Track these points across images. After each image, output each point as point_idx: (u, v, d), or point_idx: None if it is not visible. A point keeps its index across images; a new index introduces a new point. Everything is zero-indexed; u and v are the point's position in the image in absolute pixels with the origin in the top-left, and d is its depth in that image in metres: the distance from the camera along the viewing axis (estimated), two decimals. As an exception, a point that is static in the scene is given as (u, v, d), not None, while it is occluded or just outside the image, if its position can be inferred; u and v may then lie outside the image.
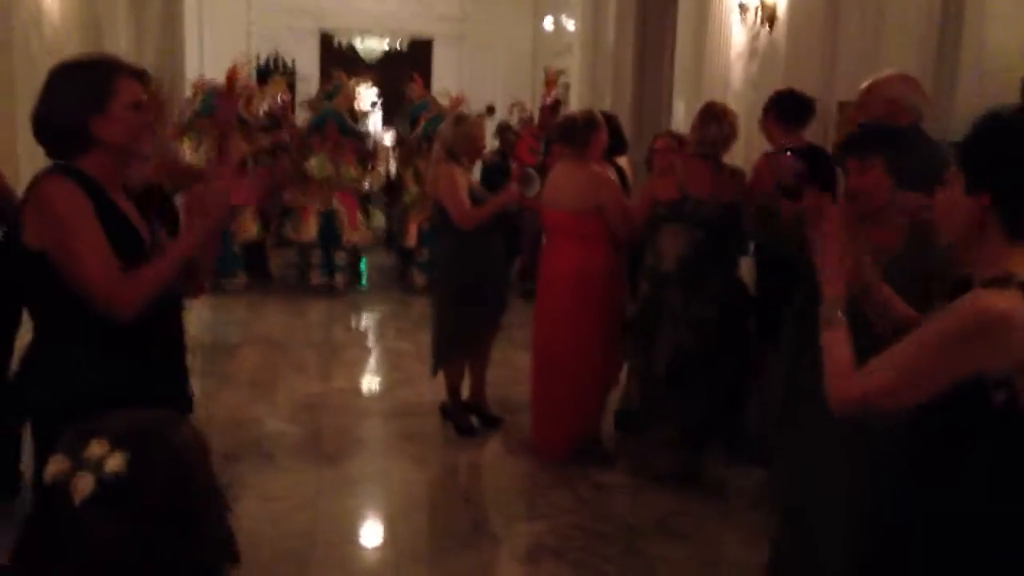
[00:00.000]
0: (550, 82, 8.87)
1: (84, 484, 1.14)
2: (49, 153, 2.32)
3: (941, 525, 1.77)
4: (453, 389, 5.23)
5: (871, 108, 3.67)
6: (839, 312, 1.96)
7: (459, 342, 5.10)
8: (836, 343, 1.91)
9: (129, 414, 1.28)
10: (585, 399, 4.69)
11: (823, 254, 2.06)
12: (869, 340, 1.97)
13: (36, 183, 2.24)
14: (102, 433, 1.19)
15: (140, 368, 2.29)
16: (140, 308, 2.21)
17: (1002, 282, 1.68)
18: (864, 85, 3.82)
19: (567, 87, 10.82)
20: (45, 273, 2.20)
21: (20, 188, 3.98)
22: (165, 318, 2.40)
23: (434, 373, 5.25)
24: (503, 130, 9.55)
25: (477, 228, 4.83)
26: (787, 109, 4.61)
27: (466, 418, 5.20)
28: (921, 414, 1.78)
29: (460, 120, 5.04)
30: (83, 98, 2.23)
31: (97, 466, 1.15)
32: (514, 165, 8.41)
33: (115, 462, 1.15)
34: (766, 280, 4.59)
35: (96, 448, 1.16)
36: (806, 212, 2.26)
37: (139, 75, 2.36)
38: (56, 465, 1.16)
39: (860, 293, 2.13)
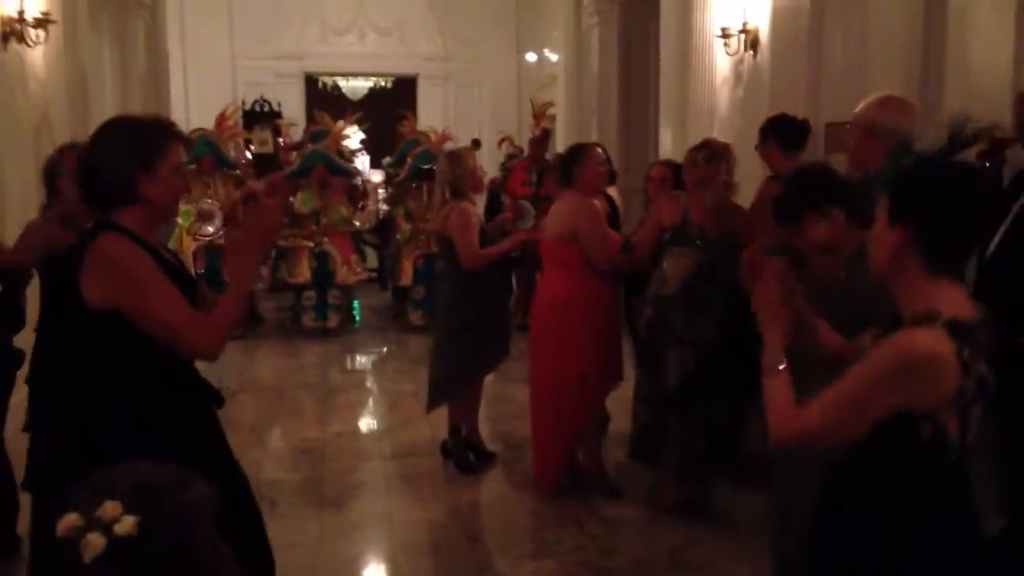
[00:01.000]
0: (538, 115, 8.91)
1: (95, 543, 1.17)
2: (88, 201, 2.41)
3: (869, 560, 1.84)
4: (455, 427, 5.18)
5: (853, 135, 3.62)
6: (781, 359, 2.02)
7: (464, 377, 5.07)
8: (777, 388, 1.98)
9: (143, 469, 1.31)
10: (570, 426, 4.65)
11: (762, 304, 2.12)
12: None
13: (91, 243, 2.28)
14: (115, 492, 1.22)
15: (193, 408, 2.44)
16: (222, 349, 2.36)
17: (927, 319, 1.74)
18: (859, 108, 3.73)
19: (552, 118, 10.87)
20: (112, 329, 2.26)
21: (8, 237, 3.98)
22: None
23: (430, 409, 5.21)
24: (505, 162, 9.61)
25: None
26: (786, 134, 4.62)
27: (468, 455, 5.16)
28: (852, 449, 1.87)
29: (455, 158, 5.06)
30: (136, 157, 2.32)
31: (108, 527, 1.18)
32: (506, 200, 8.43)
33: (126, 526, 1.18)
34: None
35: (109, 509, 1.19)
36: (743, 267, 2.28)
37: (184, 140, 2.54)
38: (69, 522, 1.18)
39: (796, 331, 2.18)
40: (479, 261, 4.85)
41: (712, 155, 4.39)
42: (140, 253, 2.29)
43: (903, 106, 3.67)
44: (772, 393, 1.98)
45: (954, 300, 1.79)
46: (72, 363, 2.39)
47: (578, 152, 4.74)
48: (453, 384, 5.08)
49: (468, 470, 5.08)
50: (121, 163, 2.30)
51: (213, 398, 2.55)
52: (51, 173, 3.67)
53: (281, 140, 10.53)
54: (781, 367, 2.01)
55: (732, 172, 4.44)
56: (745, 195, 4.84)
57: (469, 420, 5.25)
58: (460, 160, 5.04)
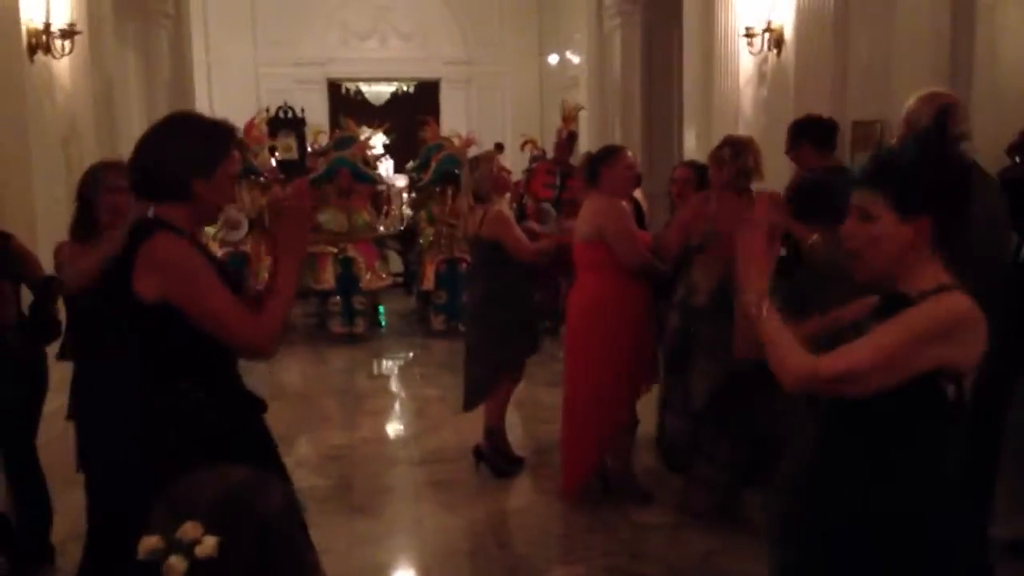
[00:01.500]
0: (568, 117, 8.87)
1: (177, 567, 1.17)
2: (139, 192, 2.42)
3: (883, 526, 1.86)
4: (491, 430, 5.15)
5: (899, 133, 3.58)
6: (767, 303, 1.96)
7: (503, 368, 5.07)
8: (776, 331, 1.93)
9: (221, 480, 1.30)
10: (604, 428, 4.60)
11: (747, 248, 2.04)
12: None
13: (145, 241, 2.28)
14: (195, 509, 1.22)
15: (238, 405, 2.42)
16: (275, 346, 2.38)
17: (943, 289, 1.82)
18: (919, 101, 3.56)
19: (577, 121, 10.85)
20: (162, 322, 2.27)
21: (38, 249, 4.02)
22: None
23: (470, 408, 5.19)
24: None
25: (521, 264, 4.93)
26: (820, 135, 4.59)
27: (505, 459, 5.15)
28: (871, 408, 1.86)
29: (474, 164, 5.12)
30: (201, 158, 2.34)
31: (189, 549, 1.18)
32: (528, 201, 8.41)
33: (207, 548, 1.18)
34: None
35: (189, 530, 1.19)
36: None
37: (240, 148, 2.54)
38: (149, 544, 1.19)
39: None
40: (533, 255, 4.94)
41: (737, 150, 4.35)
42: (193, 252, 2.31)
43: (940, 101, 3.62)
44: (773, 338, 1.93)
45: (947, 273, 1.88)
46: (122, 359, 2.39)
47: (608, 154, 4.70)
48: (493, 377, 5.07)
49: (502, 474, 5.07)
50: (186, 161, 2.32)
51: (258, 404, 2.55)
52: (92, 188, 3.63)
53: (309, 147, 10.58)
54: (772, 311, 1.96)
55: (759, 164, 4.39)
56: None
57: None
58: (478, 165, 5.09)
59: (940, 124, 1.96)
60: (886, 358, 1.80)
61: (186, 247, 2.30)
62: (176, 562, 1.17)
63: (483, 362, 5.06)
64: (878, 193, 1.88)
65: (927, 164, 1.89)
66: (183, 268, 2.27)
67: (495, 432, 5.16)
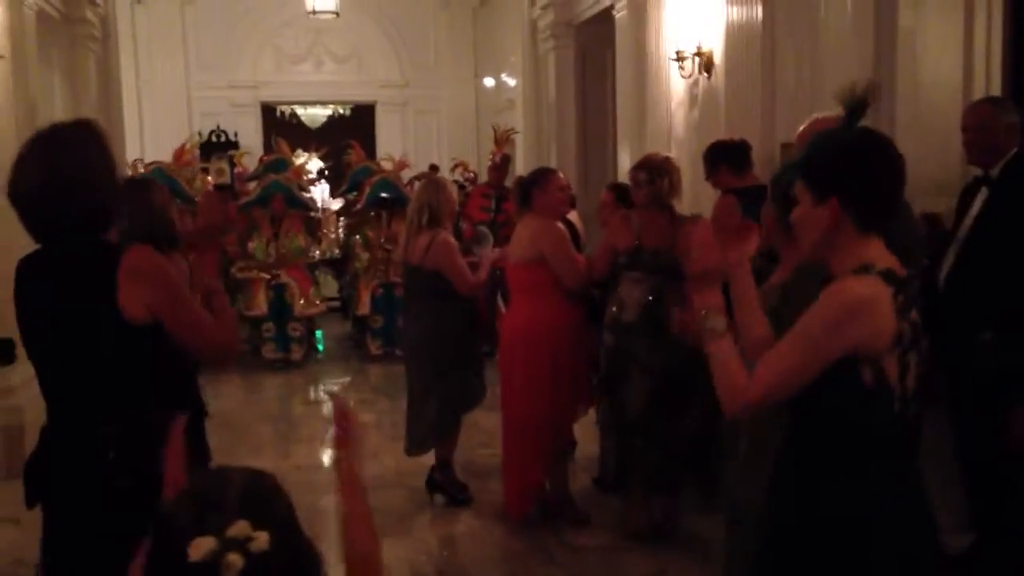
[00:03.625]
0: (500, 140, 8.89)
1: (235, 562, 1.18)
2: (75, 226, 2.24)
3: (820, 525, 1.90)
4: (445, 461, 5.04)
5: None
6: (720, 320, 2.02)
7: (459, 413, 4.94)
8: (724, 353, 1.99)
9: (231, 477, 1.30)
10: (543, 453, 4.58)
11: (697, 261, 2.10)
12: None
13: (121, 257, 2.20)
14: (222, 506, 1.23)
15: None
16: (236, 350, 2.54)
17: (862, 270, 1.85)
18: (803, 127, 3.76)
19: (512, 143, 10.89)
20: (151, 343, 2.23)
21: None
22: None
23: (418, 452, 5.06)
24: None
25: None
26: (735, 158, 4.70)
27: (461, 488, 5.06)
28: (797, 404, 1.93)
29: (440, 185, 4.99)
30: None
31: (243, 546, 1.19)
32: (464, 224, 8.39)
33: (260, 542, 1.19)
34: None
35: (240, 529, 1.20)
36: (679, 234, 2.27)
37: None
38: (204, 545, 1.18)
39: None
40: (478, 287, 4.85)
41: (653, 174, 4.36)
42: (166, 262, 2.33)
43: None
44: (718, 359, 1.99)
45: (884, 255, 1.91)
46: (102, 378, 2.25)
47: (539, 176, 4.73)
48: (448, 423, 4.92)
49: (459, 503, 4.98)
50: (110, 185, 2.30)
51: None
52: None
53: (237, 169, 10.42)
54: (723, 329, 2.01)
55: (677, 186, 4.42)
56: (704, 213, 4.87)
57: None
58: (444, 188, 4.97)
59: (850, 110, 1.99)
60: (789, 371, 1.87)
61: (159, 256, 2.30)
62: (235, 559, 1.18)
63: (435, 405, 4.86)
64: (801, 179, 1.98)
65: (830, 146, 1.97)
66: (165, 277, 2.26)
67: (449, 463, 5.07)
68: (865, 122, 4.20)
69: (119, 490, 2.19)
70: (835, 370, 1.83)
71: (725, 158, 4.71)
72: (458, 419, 4.97)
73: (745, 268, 2.15)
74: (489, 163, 8.78)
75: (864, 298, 1.82)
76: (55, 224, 2.24)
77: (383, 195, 8.57)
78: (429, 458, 5.12)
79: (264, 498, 1.28)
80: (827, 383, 1.85)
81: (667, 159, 4.53)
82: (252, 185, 9.09)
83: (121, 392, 2.25)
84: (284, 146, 9.84)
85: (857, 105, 1.99)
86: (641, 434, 4.33)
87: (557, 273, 4.44)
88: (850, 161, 1.92)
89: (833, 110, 3.98)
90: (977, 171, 3.84)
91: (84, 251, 2.23)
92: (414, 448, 5.06)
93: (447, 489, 5.03)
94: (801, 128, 3.75)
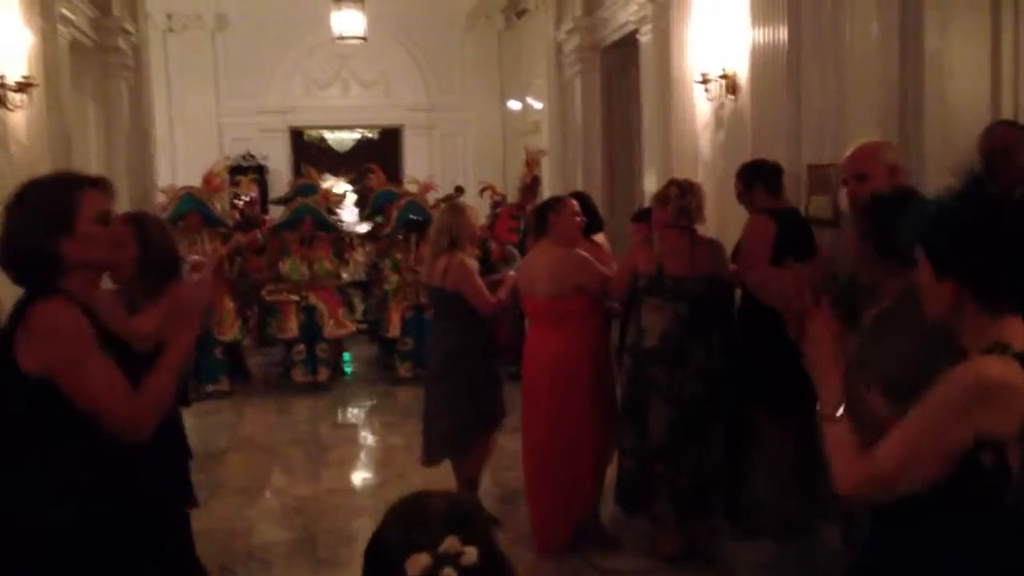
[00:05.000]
0: (531, 162, 8.95)
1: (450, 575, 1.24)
2: (20, 281, 2.23)
3: None
4: (474, 482, 5.06)
5: (876, 176, 3.60)
6: (838, 405, 1.92)
7: (480, 430, 4.97)
8: (840, 436, 1.89)
9: (436, 497, 1.36)
10: (578, 483, 4.58)
11: (814, 356, 2.01)
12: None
13: (28, 308, 2.14)
14: (435, 524, 1.28)
15: (139, 483, 2.26)
16: (151, 428, 2.19)
17: (996, 350, 1.72)
18: (854, 153, 3.73)
19: (539, 166, 10.95)
20: (46, 398, 2.13)
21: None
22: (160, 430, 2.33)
23: (432, 463, 5.09)
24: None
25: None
26: (771, 178, 4.67)
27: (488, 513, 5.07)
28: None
29: (459, 209, 5.06)
30: (47, 222, 2.16)
31: (456, 560, 1.24)
32: (493, 245, 8.44)
33: (471, 556, 1.25)
34: (756, 343, 4.56)
35: (451, 544, 1.25)
36: (790, 319, 2.13)
37: (100, 184, 2.31)
38: (420, 562, 1.23)
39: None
40: (493, 306, 4.88)
41: (683, 189, 4.40)
42: (75, 319, 2.14)
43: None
44: (834, 442, 1.89)
45: (1022, 335, 1.76)
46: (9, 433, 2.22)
47: (555, 202, 4.82)
48: (466, 438, 4.95)
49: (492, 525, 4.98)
50: (35, 235, 2.16)
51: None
52: None
53: (245, 198, 10.48)
54: (839, 413, 1.91)
55: (702, 207, 4.44)
56: (730, 236, 4.87)
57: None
58: (463, 212, 5.04)
59: (976, 178, 1.86)
60: (910, 454, 1.74)
61: (66, 313, 2.13)
62: (450, 573, 1.23)
63: (452, 419, 4.92)
64: (921, 247, 1.86)
65: (951, 223, 1.82)
66: (57, 336, 2.11)
67: (476, 485, 5.08)
68: (894, 140, 4.22)
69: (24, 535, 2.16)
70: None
71: (762, 178, 4.69)
72: (474, 439, 4.97)
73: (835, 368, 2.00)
74: (519, 185, 8.82)
75: (995, 382, 1.68)
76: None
77: (412, 217, 8.64)
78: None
79: (467, 515, 1.33)
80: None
81: (697, 183, 4.58)
82: (281, 209, 9.20)
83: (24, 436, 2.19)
84: (312, 172, 9.95)
85: (976, 177, 1.86)
86: (664, 461, 4.32)
87: (596, 296, 4.51)
88: (970, 244, 1.78)
89: (859, 130, 4.01)
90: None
91: (21, 299, 2.21)
92: (429, 459, 5.10)
93: None
94: (849, 152, 3.73)
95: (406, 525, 1.30)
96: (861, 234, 2.85)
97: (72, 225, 2.17)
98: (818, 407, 1.95)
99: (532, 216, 4.87)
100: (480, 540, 1.28)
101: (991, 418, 1.67)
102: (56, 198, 2.20)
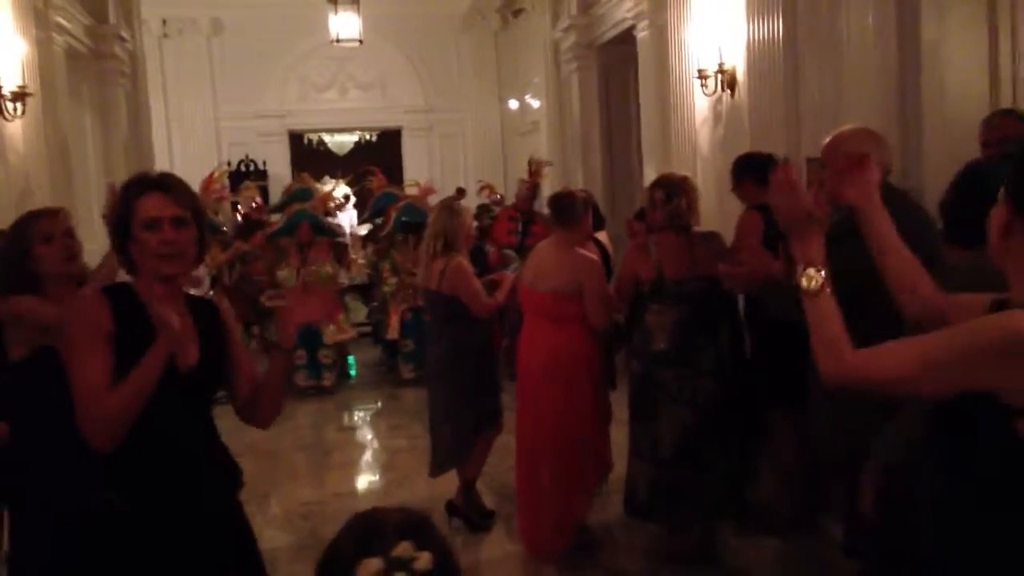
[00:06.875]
0: (535, 172, 8.92)
1: None
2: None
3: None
4: (470, 484, 5.04)
5: (835, 166, 3.62)
6: (821, 275, 1.80)
7: (478, 434, 4.94)
8: (823, 311, 1.76)
9: (390, 509, 1.38)
10: (571, 486, 4.52)
11: (786, 213, 1.87)
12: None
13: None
14: (389, 531, 1.28)
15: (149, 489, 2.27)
16: (111, 431, 2.16)
17: None
18: (826, 141, 3.76)
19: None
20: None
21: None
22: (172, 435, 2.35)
23: (438, 473, 5.06)
24: (480, 212, 9.60)
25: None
26: (761, 170, 4.65)
27: (483, 513, 5.06)
28: (934, 420, 1.71)
29: (454, 211, 4.99)
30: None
31: (408, 565, 1.24)
32: (491, 248, 8.41)
33: (423, 562, 1.25)
34: (762, 341, 4.55)
35: (403, 549, 1.25)
36: (773, 182, 1.98)
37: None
38: (372, 567, 1.23)
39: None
40: (492, 308, 4.85)
41: (671, 192, 4.32)
42: (96, 311, 2.22)
43: (882, 139, 3.69)
44: (817, 318, 1.76)
45: None
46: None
47: (589, 199, 4.82)
48: (466, 444, 4.92)
49: (478, 528, 4.98)
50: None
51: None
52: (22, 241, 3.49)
53: (252, 204, 10.45)
54: (820, 284, 1.78)
55: (694, 206, 4.36)
56: (732, 230, 4.84)
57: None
58: (459, 214, 4.99)
59: None
60: (927, 367, 1.63)
61: (88, 305, 2.24)
62: None
63: (453, 426, 4.90)
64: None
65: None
66: (70, 322, 2.25)
67: (472, 486, 5.06)
68: (893, 132, 4.19)
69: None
70: (983, 417, 1.60)
71: (751, 171, 4.68)
72: (474, 443, 4.95)
73: (875, 202, 1.93)
74: (517, 191, 8.78)
75: None
76: None
77: (406, 219, 8.61)
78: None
79: (421, 523, 1.34)
80: (968, 418, 1.63)
81: (685, 178, 4.48)
82: (276, 217, 9.17)
83: None
84: (307, 178, 9.92)
85: None
86: (686, 466, 4.25)
87: (589, 309, 4.41)
88: None
89: (857, 122, 3.99)
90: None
91: None
92: (435, 471, 5.08)
93: (466, 514, 5.01)
94: (826, 141, 3.72)
95: (359, 535, 1.31)
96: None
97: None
98: (796, 273, 1.83)
99: (553, 202, 4.75)
100: (434, 546, 1.28)
101: (1015, 376, 1.55)
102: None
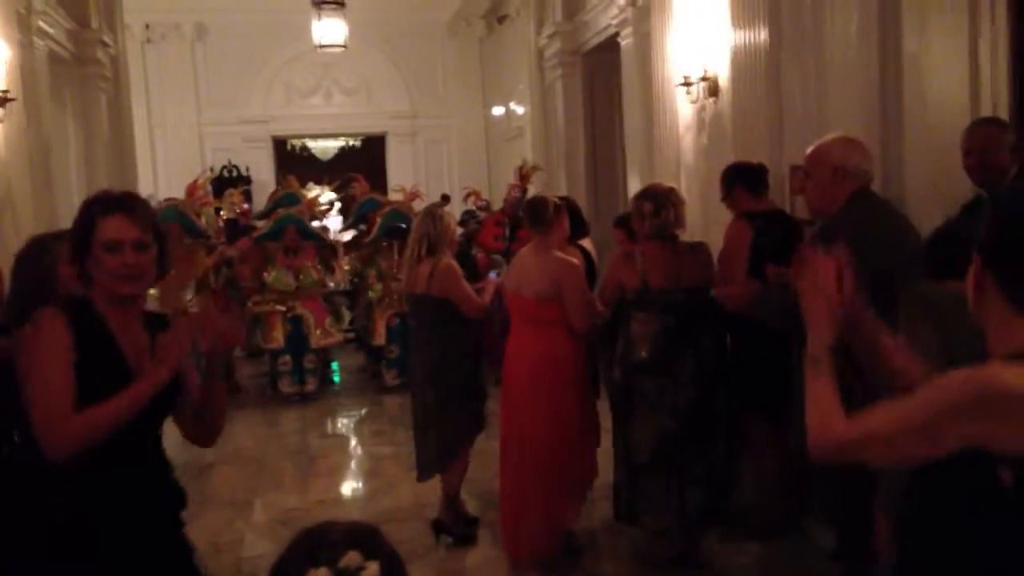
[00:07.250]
0: (524, 176, 8.93)
1: None
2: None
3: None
4: (453, 495, 5.01)
5: (817, 176, 3.66)
6: (826, 355, 1.85)
7: (466, 439, 4.93)
8: (821, 385, 1.81)
9: (339, 521, 1.39)
10: (557, 493, 4.50)
11: (809, 297, 1.93)
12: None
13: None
14: (337, 542, 1.29)
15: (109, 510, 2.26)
16: (73, 450, 2.16)
17: (1018, 358, 1.55)
18: (809, 150, 3.80)
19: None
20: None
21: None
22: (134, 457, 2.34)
23: (425, 479, 5.04)
24: (466, 218, 9.61)
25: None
26: (752, 179, 4.69)
27: (468, 523, 5.04)
28: (923, 480, 1.67)
29: (437, 216, 4.98)
30: None
31: (355, 574, 1.24)
32: (478, 253, 8.42)
33: (371, 572, 1.25)
34: (744, 348, 4.57)
35: (351, 559, 1.26)
36: (794, 261, 2.02)
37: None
38: (319, 575, 1.24)
39: (850, 331, 1.97)
40: (482, 311, 4.85)
41: (659, 205, 4.33)
42: (57, 329, 2.22)
43: (862, 146, 3.74)
44: (814, 391, 1.80)
45: None
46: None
47: (562, 203, 4.75)
48: (453, 448, 4.89)
49: (467, 540, 4.95)
50: None
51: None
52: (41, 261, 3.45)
53: (237, 210, 10.42)
54: (823, 362, 1.83)
55: (681, 218, 4.38)
56: (716, 237, 4.87)
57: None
58: (442, 218, 4.97)
59: None
60: (903, 429, 1.62)
61: (54, 321, 2.22)
62: None
63: (440, 431, 4.86)
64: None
65: (997, 205, 1.69)
66: (30, 339, 2.23)
67: (456, 497, 5.03)
68: (875, 140, 4.22)
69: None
70: (968, 463, 1.54)
71: (742, 180, 4.71)
72: (460, 447, 4.93)
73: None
74: (506, 196, 8.79)
75: (1007, 392, 1.50)
76: None
77: (395, 225, 8.61)
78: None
79: (369, 533, 1.34)
80: (956, 472, 1.58)
81: (672, 190, 4.50)
82: (262, 223, 9.14)
83: None
84: (293, 182, 9.90)
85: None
86: (659, 473, 4.26)
87: (570, 312, 4.41)
88: (1003, 224, 1.62)
89: (840, 131, 4.02)
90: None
91: None
92: (423, 475, 5.05)
93: (453, 528, 4.99)
94: (809, 150, 3.77)
95: (307, 545, 1.31)
96: None
97: None
98: (806, 352, 1.87)
99: (527, 208, 4.76)
100: (381, 556, 1.28)
101: (1002, 428, 1.51)
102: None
